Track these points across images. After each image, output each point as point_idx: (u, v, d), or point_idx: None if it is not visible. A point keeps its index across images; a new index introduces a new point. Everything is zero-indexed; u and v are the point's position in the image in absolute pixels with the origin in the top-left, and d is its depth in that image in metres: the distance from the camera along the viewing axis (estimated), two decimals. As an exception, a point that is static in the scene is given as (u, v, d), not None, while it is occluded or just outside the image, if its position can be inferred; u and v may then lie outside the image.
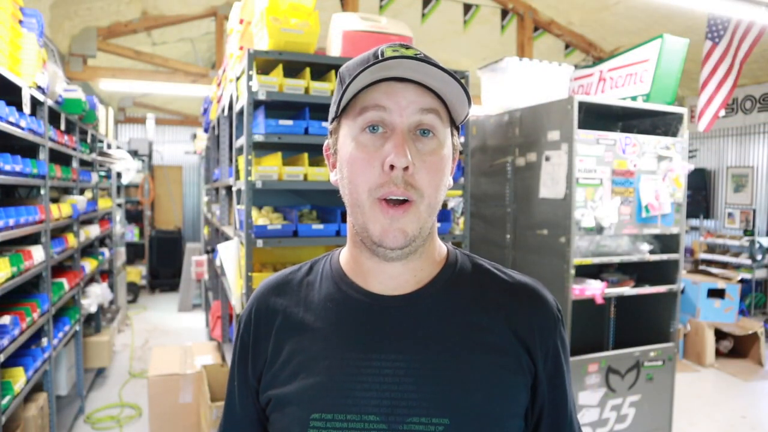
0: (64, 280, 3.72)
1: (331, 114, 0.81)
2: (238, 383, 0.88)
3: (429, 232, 0.78)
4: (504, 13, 6.24)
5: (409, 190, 0.72)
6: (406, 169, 0.71)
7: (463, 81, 0.75)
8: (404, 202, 0.73)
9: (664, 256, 3.18)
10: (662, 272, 3.29)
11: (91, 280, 4.93)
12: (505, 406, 0.76)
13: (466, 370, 0.76)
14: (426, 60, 0.71)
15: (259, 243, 2.42)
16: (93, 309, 4.48)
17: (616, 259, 3.07)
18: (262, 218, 2.55)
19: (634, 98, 3.23)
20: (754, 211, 7.22)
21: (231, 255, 2.85)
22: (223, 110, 3.50)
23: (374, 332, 0.78)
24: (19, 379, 2.72)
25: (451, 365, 0.76)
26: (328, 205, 2.78)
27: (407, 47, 0.75)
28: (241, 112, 2.65)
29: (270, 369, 0.82)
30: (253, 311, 0.87)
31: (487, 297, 0.81)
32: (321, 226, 2.51)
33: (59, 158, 3.97)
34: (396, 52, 0.74)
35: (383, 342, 0.77)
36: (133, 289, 8.00)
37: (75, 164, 4.18)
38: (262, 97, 2.39)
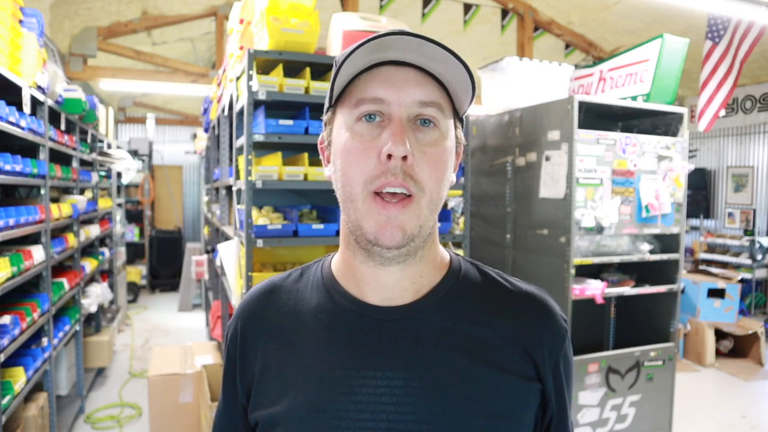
0: (64, 280, 3.71)
1: (326, 103, 0.75)
2: (225, 398, 0.83)
3: (430, 232, 0.72)
4: (504, 13, 6.24)
5: (408, 181, 0.66)
6: (404, 159, 0.65)
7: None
8: (403, 197, 0.67)
9: (664, 256, 3.18)
10: (662, 272, 3.29)
11: (91, 279, 4.93)
12: (511, 426, 0.71)
13: (469, 390, 0.70)
14: (427, 39, 0.65)
15: (259, 243, 2.42)
16: (93, 309, 4.48)
17: (616, 259, 3.07)
18: (262, 218, 2.55)
19: (634, 98, 3.23)
20: (755, 211, 7.22)
21: (231, 255, 2.85)
22: (223, 110, 3.50)
23: (369, 347, 0.72)
24: (19, 378, 2.72)
25: (453, 384, 0.70)
26: (328, 205, 2.78)
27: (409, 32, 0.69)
28: (241, 112, 2.65)
29: (259, 386, 0.76)
30: (239, 323, 0.81)
31: (492, 309, 0.75)
32: (321, 226, 2.51)
33: (59, 158, 3.97)
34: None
35: (379, 358, 0.71)
36: (133, 289, 8.01)
37: (75, 164, 4.18)
38: (262, 97, 2.39)
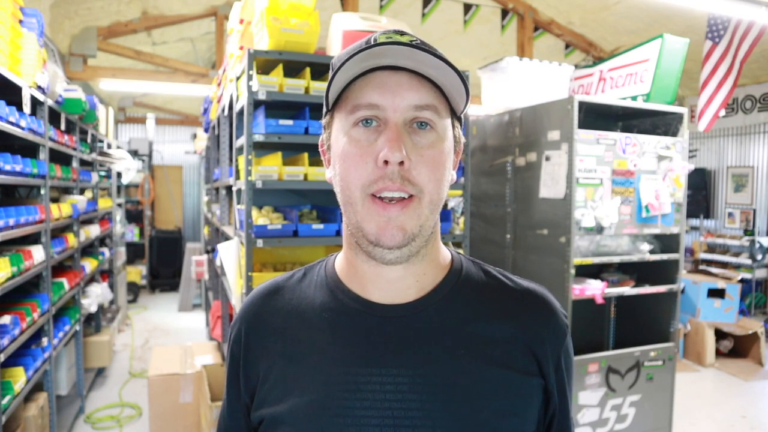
0: (64, 280, 3.71)
1: (324, 108, 0.76)
2: (228, 398, 0.83)
3: (431, 232, 0.73)
4: (504, 13, 6.24)
5: (406, 185, 0.67)
6: (401, 164, 0.66)
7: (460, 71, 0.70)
8: (402, 199, 0.67)
9: (664, 256, 3.18)
10: (662, 272, 3.29)
11: (91, 279, 4.93)
12: (515, 422, 0.72)
13: (473, 385, 0.71)
14: (419, 47, 0.65)
15: (259, 243, 2.42)
16: (93, 309, 4.48)
17: (616, 259, 3.07)
18: (262, 218, 2.55)
19: (634, 98, 3.23)
20: (755, 211, 7.22)
21: (231, 255, 2.85)
22: (223, 110, 3.50)
23: (374, 345, 0.72)
24: (19, 378, 2.72)
25: (457, 380, 0.71)
26: (328, 205, 2.78)
27: (402, 33, 0.69)
28: (241, 112, 2.65)
29: (263, 385, 0.76)
30: (243, 323, 0.82)
31: (494, 306, 0.77)
32: (321, 226, 2.51)
33: (59, 158, 3.97)
34: (390, 38, 0.68)
35: (384, 355, 0.71)
36: (133, 289, 8.01)
37: (75, 164, 4.18)
38: (262, 97, 2.39)
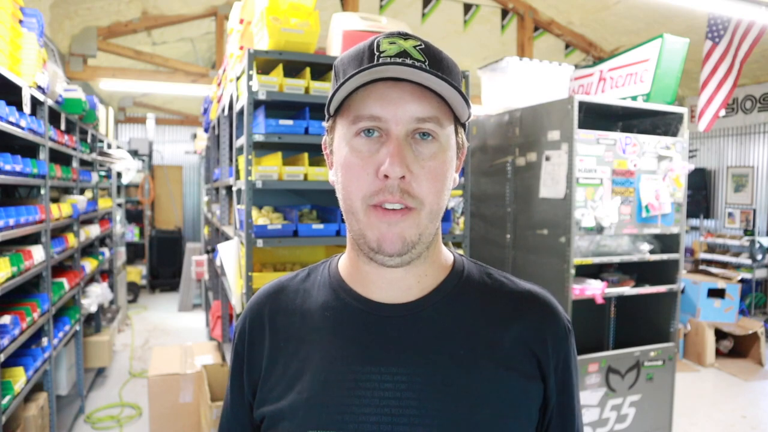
0: (64, 280, 3.71)
1: (326, 113, 0.77)
2: (233, 396, 0.84)
3: (432, 238, 0.73)
4: (504, 13, 6.24)
5: (405, 199, 0.67)
6: (402, 177, 0.67)
7: (462, 82, 0.70)
8: (402, 209, 0.68)
9: (664, 256, 3.18)
10: (662, 272, 3.29)
11: (91, 279, 4.93)
12: (514, 423, 0.72)
13: (472, 385, 0.71)
14: (423, 68, 0.66)
15: (259, 243, 2.42)
16: (93, 309, 4.48)
17: (616, 259, 3.07)
18: (262, 218, 2.55)
19: (634, 98, 3.23)
20: (755, 211, 7.22)
21: (231, 255, 2.85)
22: (223, 110, 3.51)
23: (374, 343, 0.73)
24: (19, 378, 2.72)
25: (456, 380, 0.71)
26: (328, 205, 2.78)
27: (406, 37, 0.70)
28: (241, 112, 2.66)
29: (265, 383, 0.78)
30: (247, 322, 0.83)
31: (496, 307, 0.77)
32: (321, 226, 2.51)
33: (59, 158, 3.97)
34: (393, 44, 0.69)
35: (383, 354, 0.72)
36: (133, 289, 8.00)
37: (75, 164, 4.18)
38: (262, 96, 2.39)
